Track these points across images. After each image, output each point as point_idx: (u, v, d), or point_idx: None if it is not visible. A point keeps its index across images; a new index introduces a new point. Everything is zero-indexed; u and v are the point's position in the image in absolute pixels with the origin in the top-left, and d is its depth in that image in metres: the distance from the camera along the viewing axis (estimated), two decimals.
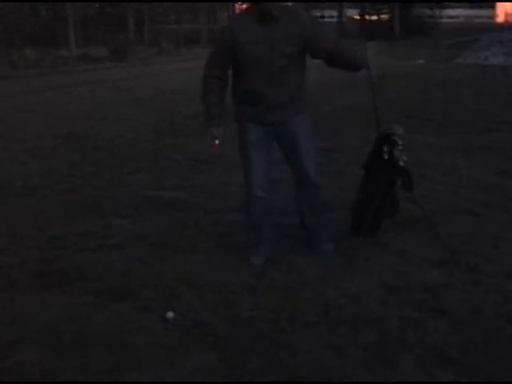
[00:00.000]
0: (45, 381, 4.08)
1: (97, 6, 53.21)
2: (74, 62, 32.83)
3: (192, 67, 26.51)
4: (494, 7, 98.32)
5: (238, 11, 66.25)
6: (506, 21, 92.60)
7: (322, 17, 65.51)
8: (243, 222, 6.07)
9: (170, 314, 4.77)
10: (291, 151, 5.60)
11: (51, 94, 18.93)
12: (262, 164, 5.56)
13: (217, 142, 5.41)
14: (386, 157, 5.94)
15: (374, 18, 61.47)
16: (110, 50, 36.22)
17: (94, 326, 4.68)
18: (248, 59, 5.23)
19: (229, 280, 5.37)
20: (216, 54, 5.42)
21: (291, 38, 5.21)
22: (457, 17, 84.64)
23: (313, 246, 5.94)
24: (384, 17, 60.86)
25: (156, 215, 7.05)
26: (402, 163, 5.93)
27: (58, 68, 29.93)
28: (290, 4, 5.53)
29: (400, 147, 5.93)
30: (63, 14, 40.23)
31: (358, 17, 63.90)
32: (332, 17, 65.61)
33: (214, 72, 5.39)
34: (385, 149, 5.95)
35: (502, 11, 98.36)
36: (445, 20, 67.18)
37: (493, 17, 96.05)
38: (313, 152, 5.66)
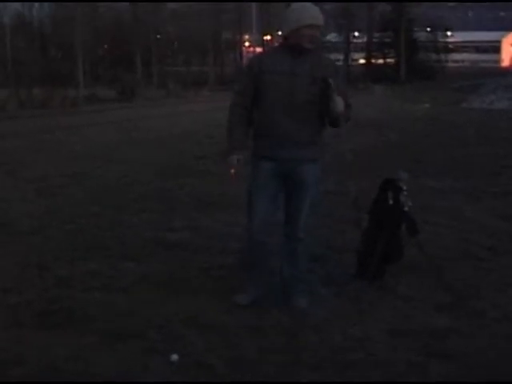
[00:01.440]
0: None
1: (105, 46, 53.74)
2: (81, 103, 33.05)
3: (200, 110, 26.67)
4: (499, 52, 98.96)
5: (245, 55, 66.74)
6: (511, 65, 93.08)
7: None
8: (241, 259, 6.07)
9: (175, 357, 4.76)
10: (291, 198, 5.61)
11: (59, 134, 19.04)
12: (266, 208, 5.59)
13: (232, 171, 5.44)
14: (390, 202, 5.98)
15: (380, 61, 61.88)
16: (118, 90, 36.49)
17: (99, 367, 4.67)
18: (269, 88, 5.32)
19: (233, 322, 5.37)
20: (243, 82, 5.54)
21: (316, 76, 5.27)
22: (462, 61, 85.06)
23: (286, 299, 5.77)
24: (390, 60, 61.29)
25: (161, 256, 7.07)
26: (406, 208, 5.96)
27: (66, 108, 30.12)
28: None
29: (405, 193, 5.97)
30: (72, 54, 40.64)
31: (363, 60, 64.33)
32: (338, 60, 65.97)
33: (239, 100, 5.50)
34: (390, 194, 5.99)
35: (507, 56, 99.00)
36: (450, 64, 67.59)
37: (498, 61, 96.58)
38: (309, 209, 5.64)
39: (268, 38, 63.30)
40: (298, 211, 5.60)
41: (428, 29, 62.90)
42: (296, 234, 5.65)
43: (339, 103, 5.26)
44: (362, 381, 4.48)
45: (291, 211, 5.64)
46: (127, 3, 51.20)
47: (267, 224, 5.64)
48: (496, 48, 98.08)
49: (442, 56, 64.18)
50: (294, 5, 5.40)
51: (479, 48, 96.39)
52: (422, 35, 62.45)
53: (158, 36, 53.13)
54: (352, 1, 60.38)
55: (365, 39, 65.34)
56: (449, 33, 69.26)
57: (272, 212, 5.66)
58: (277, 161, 5.46)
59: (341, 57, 64.41)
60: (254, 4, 57.85)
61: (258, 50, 63.00)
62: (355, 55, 67.39)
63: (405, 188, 5.99)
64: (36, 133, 19.41)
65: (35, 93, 32.48)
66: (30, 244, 7.60)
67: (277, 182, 5.56)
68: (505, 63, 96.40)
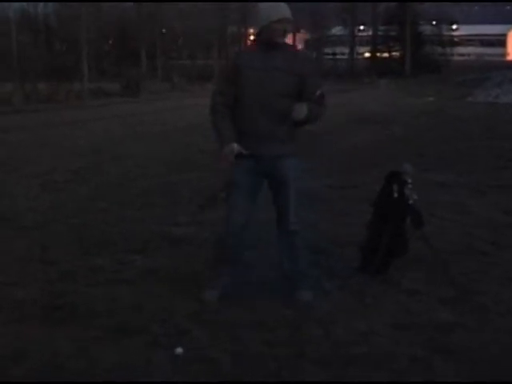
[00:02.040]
0: None
1: (110, 41, 53.73)
2: (86, 97, 33.06)
3: (204, 103, 26.63)
4: (504, 45, 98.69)
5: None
6: None
7: (334, 54, 65.79)
8: (211, 255, 6.08)
9: (179, 350, 4.77)
10: (277, 195, 5.64)
11: (64, 129, 19.07)
12: (242, 205, 5.60)
13: (230, 157, 5.41)
14: (395, 195, 5.98)
15: (385, 55, 61.78)
16: (123, 84, 36.48)
17: (104, 361, 4.68)
18: (245, 84, 5.37)
19: (237, 316, 5.38)
20: (222, 82, 5.62)
21: (290, 70, 5.34)
22: (468, 54, 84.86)
23: (292, 293, 5.76)
24: (395, 54, 61.18)
25: (166, 251, 7.07)
26: (411, 201, 5.96)
27: (71, 102, 30.14)
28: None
29: (410, 186, 5.96)
30: (77, 48, 40.65)
31: (369, 54, 64.24)
32: (343, 54, 65.90)
33: (219, 99, 5.53)
34: (395, 187, 5.99)
35: None
36: (456, 58, 67.42)
37: (504, 55, 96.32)
38: (296, 202, 5.65)
39: None
40: (285, 206, 5.61)
41: (433, 22, 62.75)
42: (288, 228, 5.64)
43: (301, 111, 5.29)
44: (365, 375, 4.48)
45: (279, 207, 5.66)
46: (132, 3, 51.23)
47: (245, 218, 5.65)
48: (501, 41, 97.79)
49: (448, 49, 63.98)
50: (262, 3, 5.43)
51: (484, 41, 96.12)
52: (428, 29, 62.30)
53: (163, 30, 53.11)
54: (356, 0, 60.26)
55: (370, 32, 65.20)
56: (454, 26, 69.15)
57: (250, 210, 5.67)
58: (256, 158, 5.48)
59: (346, 50, 64.34)
60: None
61: None
62: (360, 49, 67.25)
63: (410, 181, 5.98)
64: (41, 127, 19.44)
65: (40, 87, 32.48)
66: (34, 239, 7.61)
67: (257, 179, 5.58)
68: (510, 57, 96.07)
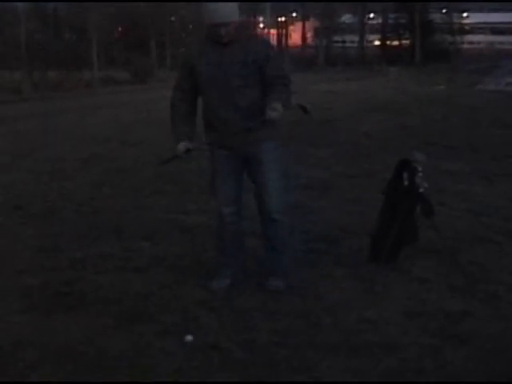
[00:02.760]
0: None
1: (119, 29, 53.71)
2: (96, 85, 33.07)
3: None
4: None
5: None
6: None
7: (344, 42, 65.66)
8: (215, 245, 6.07)
9: (189, 338, 4.77)
10: (256, 180, 5.59)
11: (73, 116, 19.09)
12: (229, 189, 5.60)
13: (181, 155, 5.43)
14: (406, 183, 5.96)
15: (396, 43, 61.59)
16: (132, 72, 36.48)
17: (114, 349, 4.69)
18: (205, 81, 5.34)
19: (247, 304, 5.38)
20: (179, 78, 5.56)
21: (246, 60, 5.25)
22: (478, 43, 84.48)
23: (264, 281, 5.73)
24: (405, 42, 60.99)
25: (175, 239, 7.07)
26: (422, 190, 5.93)
27: (80, 90, 30.16)
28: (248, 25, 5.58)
29: (420, 174, 5.94)
30: (86, 36, 40.65)
31: (378, 42, 64.06)
32: (353, 42, 65.74)
33: (177, 96, 5.51)
34: (405, 175, 5.96)
35: None
36: (466, 46, 67.16)
37: None
38: (279, 185, 5.59)
39: (282, 19, 63.13)
40: (264, 192, 5.54)
41: (443, 10, 62.49)
42: (269, 215, 5.59)
43: (275, 112, 5.13)
44: (375, 363, 4.47)
45: (258, 193, 5.61)
46: None
47: (234, 206, 5.65)
48: None
49: (458, 38, 63.73)
50: (206, 3, 5.26)
51: (495, 29, 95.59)
52: (438, 16, 62.06)
53: (173, 18, 53.05)
54: (368, 0, 60.12)
55: (380, 20, 65.00)
56: (464, 14, 68.83)
57: (237, 193, 5.65)
58: (231, 148, 5.46)
59: (356, 38, 64.15)
60: None
61: (272, 32, 62.96)
62: (370, 37, 67.07)
63: (420, 169, 5.96)
64: (50, 115, 19.47)
65: (50, 75, 32.52)
66: (43, 226, 7.62)
67: (236, 164, 5.54)
68: None
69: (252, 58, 5.26)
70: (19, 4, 42.95)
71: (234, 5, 5.25)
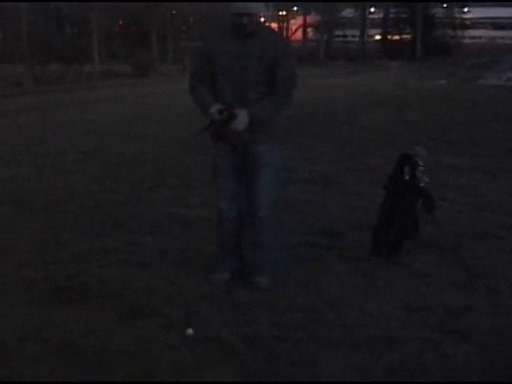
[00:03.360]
0: None
1: (120, 22, 53.62)
2: (97, 78, 33.04)
3: None
4: None
5: None
6: None
7: (345, 36, 65.54)
8: (216, 238, 6.06)
9: (190, 331, 4.79)
10: (249, 181, 5.60)
11: (75, 110, 19.06)
12: (229, 184, 5.62)
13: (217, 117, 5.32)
14: (407, 177, 5.96)
15: (396, 37, 61.49)
16: (133, 66, 36.42)
17: (116, 342, 4.70)
18: (221, 71, 5.33)
19: (249, 298, 5.39)
20: (196, 66, 5.59)
21: (264, 56, 5.27)
22: (479, 37, 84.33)
23: (247, 278, 5.74)
24: (406, 37, 60.87)
25: (178, 232, 7.08)
26: (423, 184, 5.94)
27: (82, 84, 30.14)
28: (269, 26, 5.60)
29: (421, 168, 5.94)
30: (87, 30, 40.57)
31: (379, 37, 63.96)
32: (354, 36, 65.62)
33: (195, 80, 5.48)
34: (406, 170, 5.97)
35: None
36: (467, 40, 67.06)
37: None
38: (270, 185, 5.60)
39: (283, 13, 63.01)
40: (256, 190, 5.57)
41: (444, 5, 62.37)
42: (256, 212, 5.62)
43: (240, 123, 5.22)
44: (376, 357, 4.48)
45: (249, 190, 5.63)
46: None
47: (233, 202, 5.67)
48: None
49: (459, 32, 63.61)
50: None
51: (497, 24, 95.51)
52: (439, 11, 61.94)
53: (173, 12, 52.95)
54: (369, 0, 60.04)
55: (381, 15, 64.86)
56: (466, 9, 68.68)
57: (236, 189, 5.66)
58: (232, 143, 5.47)
59: (357, 33, 64.03)
60: None
61: (274, 25, 62.82)
62: (371, 31, 66.96)
63: (421, 164, 5.96)
64: (51, 108, 19.44)
65: (51, 68, 32.48)
66: (46, 220, 7.63)
67: (235, 159, 5.55)
68: None
69: (270, 55, 5.28)
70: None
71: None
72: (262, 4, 5.33)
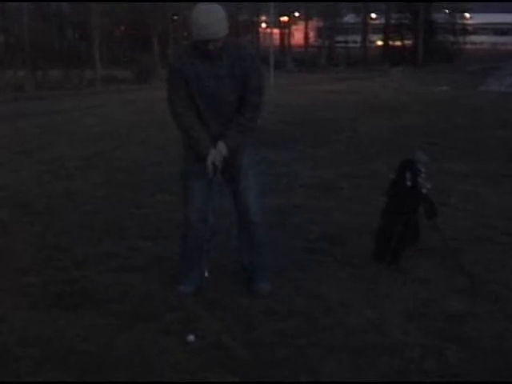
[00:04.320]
0: None
1: (122, 28, 53.75)
2: (98, 84, 33.07)
3: None
4: None
5: (261, 35, 66.46)
6: None
7: (346, 42, 65.64)
8: (179, 250, 6.02)
9: (191, 337, 4.77)
10: (234, 185, 5.59)
11: (76, 115, 19.08)
12: (201, 194, 5.58)
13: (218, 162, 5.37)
14: (409, 184, 5.95)
15: (398, 43, 61.59)
16: (134, 72, 36.49)
17: (116, 348, 4.69)
18: (197, 94, 5.29)
19: (250, 304, 5.38)
20: (174, 89, 5.41)
21: (236, 73, 5.25)
22: (481, 43, 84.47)
23: (249, 285, 5.72)
24: (407, 43, 60.98)
25: (177, 238, 7.04)
26: (425, 190, 5.93)
27: (83, 89, 30.17)
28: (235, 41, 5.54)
29: (423, 175, 5.93)
30: (89, 35, 40.67)
31: (381, 42, 64.05)
32: (356, 42, 65.73)
33: (178, 104, 5.40)
34: (408, 176, 5.96)
35: None
36: (468, 46, 67.15)
37: None
38: (256, 189, 5.61)
39: (285, 19, 63.10)
40: (243, 198, 5.57)
41: (446, 10, 62.44)
42: (249, 219, 5.61)
43: (220, 153, 5.32)
44: (377, 363, 4.47)
45: (236, 197, 5.62)
46: None
47: (203, 212, 5.63)
48: None
49: (460, 38, 63.72)
50: (194, 11, 5.17)
51: (498, 30, 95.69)
52: (441, 17, 62.04)
53: (175, 17, 53.06)
54: (371, 0, 60.08)
55: (382, 21, 64.95)
56: (467, 14, 68.78)
57: (208, 200, 5.63)
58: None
59: (358, 38, 64.14)
60: None
61: (275, 31, 62.92)
62: (373, 37, 67.04)
63: (423, 170, 5.95)
64: (53, 114, 19.45)
65: (52, 74, 32.53)
66: (46, 225, 7.62)
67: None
68: None
69: (240, 72, 5.26)
70: (23, 1, 42.98)
71: (223, 20, 5.17)
72: (225, 24, 5.17)
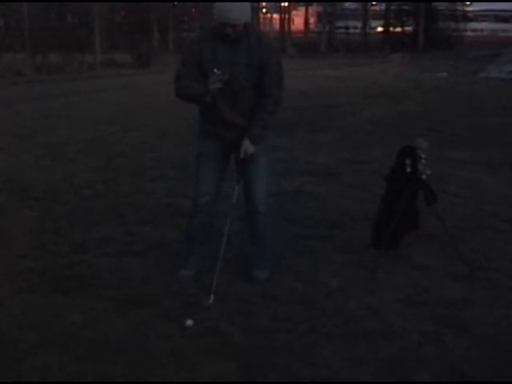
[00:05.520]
0: (69, 381, 4.12)
1: (122, 13, 53.56)
2: (98, 68, 32.99)
3: None
4: None
5: (261, 21, 66.27)
6: None
7: (347, 28, 65.43)
8: (183, 232, 6.03)
9: (190, 322, 4.78)
10: (244, 173, 5.57)
11: (75, 100, 19.02)
12: (211, 175, 5.60)
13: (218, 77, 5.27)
14: (408, 170, 5.94)
15: (398, 29, 61.38)
16: (134, 56, 36.36)
17: (114, 333, 4.69)
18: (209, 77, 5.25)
19: (249, 289, 5.38)
20: (186, 66, 5.41)
21: (253, 63, 5.25)
22: (481, 30, 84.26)
23: (248, 272, 5.72)
24: (408, 29, 60.76)
25: (177, 223, 7.05)
26: (424, 177, 5.91)
27: (83, 73, 30.07)
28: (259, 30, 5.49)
29: (423, 161, 5.91)
30: (88, 19, 40.55)
31: (381, 28, 63.85)
32: (356, 28, 65.51)
33: (182, 82, 5.40)
34: (407, 162, 5.94)
35: None
36: (469, 33, 66.97)
37: None
38: (266, 180, 5.62)
39: (285, 4, 62.88)
40: (252, 185, 5.57)
41: None
42: (255, 208, 5.61)
43: (248, 150, 5.37)
44: (376, 349, 4.47)
45: (246, 186, 5.61)
46: None
47: (212, 196, 5.64)
48: None
49: (461, 25, 63.49)
50: (218, 2, 5.20)
51: (499, 17, 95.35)
52: (441, 3, 61.81)
53: (175, 2, 52.87)
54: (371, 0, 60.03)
55: (383, 7, 64.71)
56: (468, 2, 68.54)
57: (218, 184, 5.65)
58: (224, 141, 5.50)
59: (359, 24, 63.92)
60: None
61: (275, 16, 62.77)
62: (373, 23, 66.79)
63: (423, 156, 5.93)
64: (52, 98, 19.39)
65: (52, 58, 32.42)
66: (45, 210, 7.61)
67: (224, 155, 5.60)
68: None
69: (257, 62, 5.26)
70: None
71: (247, 6, 5.23)
72: (246, 12, 5.21)
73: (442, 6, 61.51)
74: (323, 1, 58.62)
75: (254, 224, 5.71)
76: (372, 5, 66.63)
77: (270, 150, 5.70)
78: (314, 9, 69.03)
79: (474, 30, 73.74)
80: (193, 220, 5.78)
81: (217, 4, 5.17)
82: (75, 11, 48.47)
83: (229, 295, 5.28)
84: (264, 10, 67.82)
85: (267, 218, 5.68)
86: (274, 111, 5.44)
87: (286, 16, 59.82)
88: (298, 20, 68.92)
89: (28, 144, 11.80)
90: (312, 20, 70.85)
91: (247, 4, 5.23)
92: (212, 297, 5.16)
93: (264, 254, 5.74)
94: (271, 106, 5.40)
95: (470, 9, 69.99)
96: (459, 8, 64.09)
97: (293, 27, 64.36)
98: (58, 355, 4.40)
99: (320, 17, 64.40)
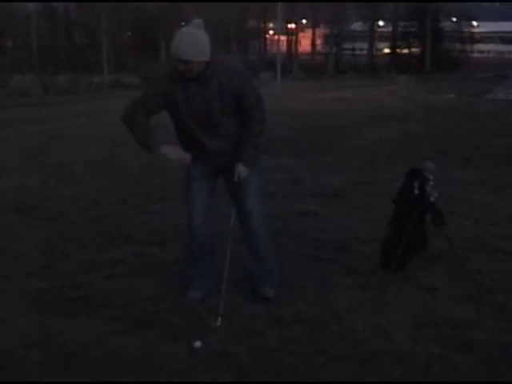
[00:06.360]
0: None
1: (129, 34, 53.86)
2: (106, 89, 33.13)
3: None
4: None
5: (268, 42, 66.42)
6: None
7: (353, 49, 65.66)
8: (183, 256, 6.02)
9: (198, 344, 4.77)
10: (235, 193, 5.58)
11: (83, 120, 19.10)
12: (203, 197, 5.61)
13: (176, 157, 5.39)
14: (416, 192, 5.94)
15: (405, 51, 61.62)
16: (141, 77, 36.54)
17: (121, 353, 4.68)
18: (184, 114, 5.27)
19: (256, 310, 5.37)
20: (149, 96, 5.38)
21: (225, 97, 5.21)
22: (488, 52, 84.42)
23: (254, 290, 5.71)
24: (415, 50, 61.02)
25: (184, 243, 7.05)
26: (432, 199, 5.92)
27: (91, 94, 30.21)
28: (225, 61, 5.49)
29: (431, 183, 5.92)
30: (96, 40, 40.79)
31: (388, 50, 64.07)
32: (363, 49, 65.74)
33: (139, 111, 5.35)
34: (415, 184, 5.95)
35: None
36: (475, 55, 67.13)
37: None
38: (258, 197, 5.61)
39: (292, 26, 63.17)
40: (244, 203, 5.56)
41: (454, 18, 62.43)
42: (250, 226, 5.60)
43: (242, 173, 5.37)
44: (384, 371, 4.46)
45: (239, 205, 5.60)
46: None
47: (205, 218, 5.64)
48: None
49: (468, 46, 63.71)
50: (179, 32, 5.15)
51: (505, 38, 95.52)
52: (448, 25, 62.03)
53: (183, 23, 53.19)
54: (378, 0, 60.11)
55: (390, 28, 64.96)
56: (474, 23, 68.76)
57: (210, 205, 5.67)
58: (211, 166, 5.51)
59: (365, 46, 64.16)
60: None
61: (282, 38, 63.02)
62: (380, 44, 67.04)
63: (431, 178, 5.94)
64: (60, 119, 19.48)
65: (60, 79, 32.59)
66: (53, 230, 7.63)
67: (213, 176, 5.61)
68: None
69: (231, 96, 5.22)
70: (30, 4, 43.01)
71: (202, 44, 5.12)
72: (201, 50, 5.09)
73: (448, 27, 61.76)
74: (330, 22, 58.76)
75: (253, 241, 5.68)
76: (379, 26, 66.86)
77: (277, 170, 5.72)
78: (321, 30, 69.25)
79: (480, 52, 73.88)
80: (191, 242, 5.77)
81: (174, 38, 5.11)
82: (83, 29, 48.74)
83: (236, 315, 5.27)
84: (271, 32, 68.11)
85: (265, 233, 5.67)
86: (260, 132, 5.41)
87: (293, 38, 60.18)
88: (305, 42, 69.14)
89: (36, 164, 11.85)
90: (319, 42, 71.07)
91: (203, 41, 5.12)
92: (220, 319, 5.15)
93: (268, 271, 5.72)
94: (257, 127, 5.38)
95: (476, 30, 70.19)
96: (465, 29, 64.34)
97: (300, 49, 64.63)
98: (64, 375, 4.39)
99: (327, 38, 64.64)
